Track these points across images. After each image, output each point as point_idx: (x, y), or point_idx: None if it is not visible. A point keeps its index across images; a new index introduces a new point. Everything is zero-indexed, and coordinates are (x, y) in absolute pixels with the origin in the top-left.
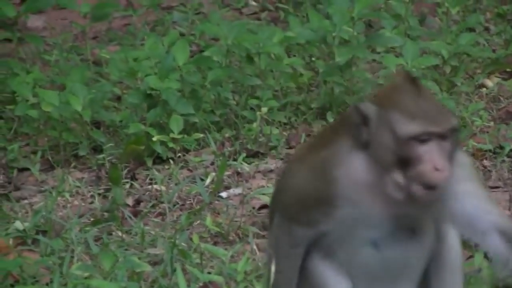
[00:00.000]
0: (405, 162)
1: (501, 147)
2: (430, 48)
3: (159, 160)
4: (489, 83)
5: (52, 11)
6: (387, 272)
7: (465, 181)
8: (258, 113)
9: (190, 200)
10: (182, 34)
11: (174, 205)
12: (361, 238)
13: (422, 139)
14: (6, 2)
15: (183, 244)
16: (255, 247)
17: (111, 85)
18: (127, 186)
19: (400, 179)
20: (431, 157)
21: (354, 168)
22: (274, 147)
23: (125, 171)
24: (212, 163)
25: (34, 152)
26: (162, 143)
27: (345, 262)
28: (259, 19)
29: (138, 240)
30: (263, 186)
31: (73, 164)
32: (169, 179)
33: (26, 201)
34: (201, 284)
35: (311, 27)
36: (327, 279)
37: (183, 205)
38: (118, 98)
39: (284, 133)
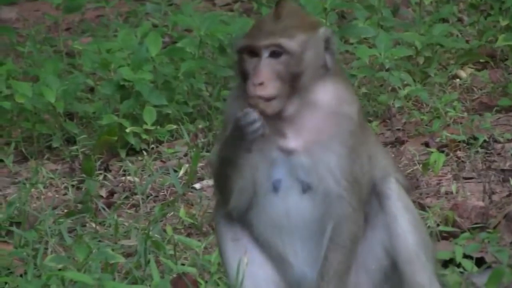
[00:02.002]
0: (245, 77)
1: (475, 138)
2: (403, 39)
3: (132, 151)
4: (463, 74)
5: (25, 2)
6: (288, 222)
7: (341, 140)
8: None
9: (163, 192)
10: (155, 26)
11: (148, 197)
12: (262, 182)
13: (250, 53)
14: None
15: (156, 235)
16: None
17: (84, 77)
18: (101, 177)
19: (244, 93)
20: (254, 71)
21: (234, 98)
22: None
23: (98, 163)
24: (186, 155)
25: (8, 144)
26: (136, 134)
27: (250, 214)
28: (232, 10)
29: (112, 231)
30: None
31: (46, 156)
32: (143, 170)
33: None
34: (174, 275)
35: None
36: (226, 247)
37: (156, 196)
38: (91, 90)
39: None
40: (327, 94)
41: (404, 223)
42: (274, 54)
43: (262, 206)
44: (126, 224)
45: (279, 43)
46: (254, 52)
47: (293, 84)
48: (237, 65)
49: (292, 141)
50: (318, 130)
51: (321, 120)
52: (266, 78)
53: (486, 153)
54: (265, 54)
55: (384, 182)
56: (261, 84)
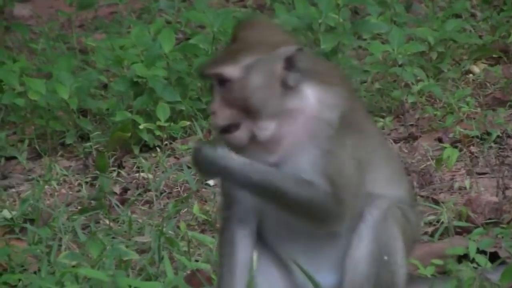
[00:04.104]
0: None
1: (488, 133)
2: (416, 35)
3: (146, 148)
4: (476, 69)
5: None
6: (288, 230)
7: (316, 144)
8: None
9: (177, 188)
10: (168, 22)
11: (161, 193)
12: None
13: (211, 82)
14: None
15: (170, 232)
16: None
17: (97, 73)
18: (114, 174)
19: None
20: (211, 99)
21: None
22: None
23: (112, 159)
24: None
25: (21, 141)
26: (149, 131)
27: (256, 221)
28: (245, 6)
29: (126, 228)
30: None
31: (60, 153)
32: (156, 167)
33: (13, 190)
34: (188, 271)
35: (297, 14)
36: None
37: (170, 193)
38: (105, 86)
39: None
40: (306, 101)
41: (363, 252)
42: (220, 82)
43: (264, 216)
44: (140, 220)
45: (218, 72)
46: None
47: (249, 108)
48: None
49: (275, 155)
50: (296, 138)
51: (299, 127)
52: (217, 107)
53: (500, 148)
54: (215, 82)
55: (371, 202)
56: (213, 113)
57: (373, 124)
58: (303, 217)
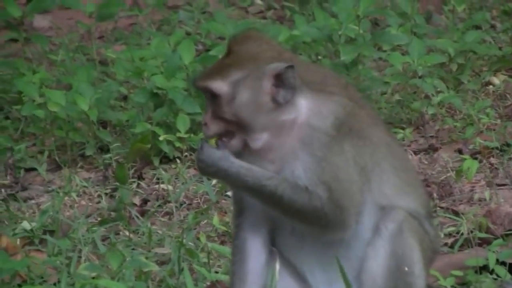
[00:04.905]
0: None
1: (508, 145)
2: (436, 46)
3: (166, 159)
4: (496, 80)
5: (58, 11)
6: (302, 242)
7: (309, 151)
8: None
9: (197, 199)
10: (188, 33)
11: (181, 205)
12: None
13: (204, 94)
14: (12, 2)
15: (190, 243)
16: None
17: (117, 85)
18: (134, 185)
19: None
20: (205, 110)
21: None
22: None
23: (132, 171)
24: None
25: (41, 152)
26: (169, 142)
27: (269, 229)
28: (265, 17)
29: (145, 239)
30: None
31: (79, 164)
32: (176, 178)
33: (33, 201)
34: (208, 283)
35: (317, 26)
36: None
37: (190, 204)
38: (125, 98)
39: None
40: (298, 111)
41: (380, 265)
42: (211, 95)
43: (277, 228)
44: (160, 232)
45: (206, 85)
46: None
47: (237, 121)
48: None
49: (270, 163)
50: (290, 147)
51: (292, 136)
52: (208, 119)
53: None
54: (206, 95)
55: (385, 215)
56: (204, 124)
57: (383, 132)
58: (303, 222)
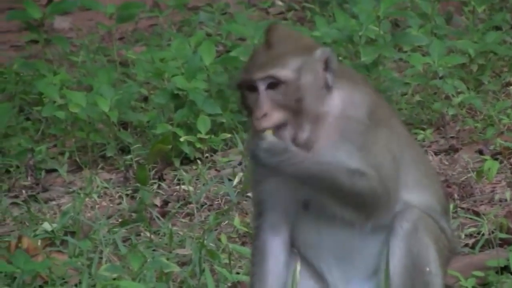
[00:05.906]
0: (249, 113)
1: None
2: (456, 47)
3: (186, 160)
4: None
5: (78, 12)
6: (321, 240)
7: (349, 140)
8: None
9: (218, 200)
10: (208, 34)
11: (202, 206)
12: (292, 201)
13: (249, 88)
14: (32, 4)
15: (211, 244)
16: None
17: (138, 86)
18: (155, 186)
19: (251, 129)
20: (255, 105)
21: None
22: None
23: (152, 172)
24: (240, 163)
25: (62, 153)
26: (190, 143)
27: (289, 231)
28: (285, 19)
29: (166, 240)
30: None
31: (100, 165)
32: (197, 179)
33: (54, 202)
34: (229, 284)
35: (337, 27)
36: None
37: (211, 205)
38: (145, 99)
39: None
40: (334, 102)
41: (397, 265)
42: (271, 85)
43: (296, 225)
44: (181, 233)
45: (272, 74)
46: (252, 86)
47: (298, 109)
48: (240, 101)
49: (312, 155)
50: (330, 139)
51: (331, 129)
52: (268, 109)
53: None
54: (262, 86)
55: (401, 214)
56: (264, 115)
57: (400, 123)
58: (355, 207)
